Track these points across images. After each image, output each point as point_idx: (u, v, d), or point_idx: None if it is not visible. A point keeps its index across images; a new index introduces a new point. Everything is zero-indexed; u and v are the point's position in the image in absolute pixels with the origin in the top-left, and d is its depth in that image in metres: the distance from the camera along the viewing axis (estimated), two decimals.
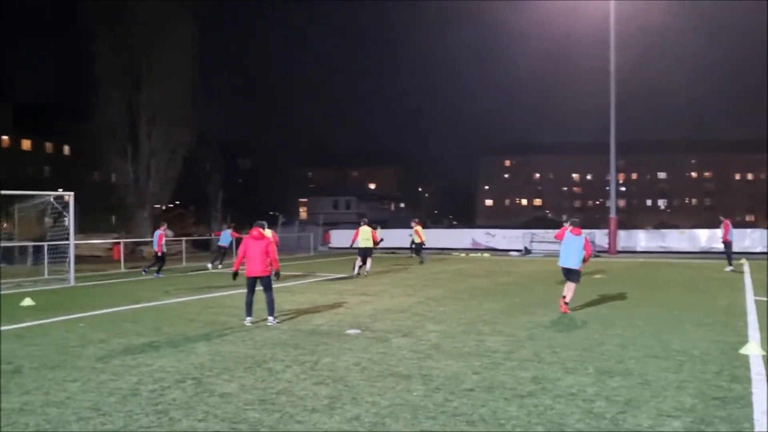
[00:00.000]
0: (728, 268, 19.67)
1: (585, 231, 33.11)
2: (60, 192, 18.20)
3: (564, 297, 11.01)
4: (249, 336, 8.98)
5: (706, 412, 5.37)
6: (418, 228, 25.36)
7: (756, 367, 6.87)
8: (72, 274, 17.30)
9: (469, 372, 6.77)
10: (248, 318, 9.98)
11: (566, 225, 11.59)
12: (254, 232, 10.00)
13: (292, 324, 10.05)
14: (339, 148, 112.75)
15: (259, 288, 10.01)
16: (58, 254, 18.32)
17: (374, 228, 20.07)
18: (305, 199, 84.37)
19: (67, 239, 17.60)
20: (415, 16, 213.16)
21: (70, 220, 17.34)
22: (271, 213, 58.96)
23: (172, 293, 14.63)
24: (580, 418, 5.22)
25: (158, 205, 37.06)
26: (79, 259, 21.73)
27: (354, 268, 18.85)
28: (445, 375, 6.65)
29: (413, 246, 26.16)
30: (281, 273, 11.17)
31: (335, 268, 22.33)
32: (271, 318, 10.00)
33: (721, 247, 21.95)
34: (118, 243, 26.71)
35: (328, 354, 7.73)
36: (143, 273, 20.14)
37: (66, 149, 66.52)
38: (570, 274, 11.06)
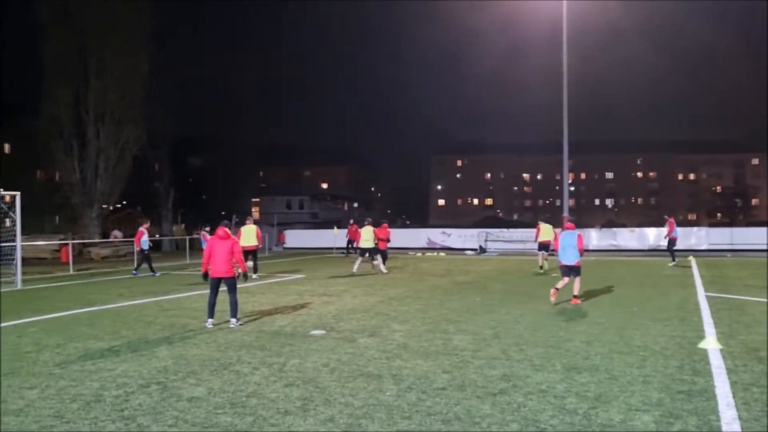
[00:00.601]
0: (671, 264, 20.65)
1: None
2: (2, 192, 17.48)
3: (558, 289, 11.60)
4: (212, 338, 8.80)
5: (673, 405, 5.48)
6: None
7: (715, 360, 7.06)
8: (19, 277, 16.67)
9: (439, 371, 6.77)
10: (210, 320, 9.79)
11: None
12: (220, 231, 9.80)
13: (255, 325, 9.89)
14: (291, 148, 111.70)
15: (223, 289, 9.80)
16: (2, 256, 17.62)
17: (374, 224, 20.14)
18: (258, 199, 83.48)
19: (13, 241, 16.95)
20: (370, 15, 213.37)
21: (17, 220, 16.68)
22: (223, 213, 58.13)
23: (126, 296, 14.23)
24: (553, 414, 5.26)
25: (106, 205, 36.00)
26: (24, 261, 20.97)
27: (355, 266, 19.29)
28: (415, 374, 6.63)
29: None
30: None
31: (293, 269, 22.13)
32: (234, 320, 9.82)
33: (666, 244, 22.85)
34: (66, 244, 25.88)
35: (295, 355, 7.63)
36: (133, 274, 19.76)
37: (6, 147, 64.04)
38: (571, 271, 11.66)
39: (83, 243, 30.52)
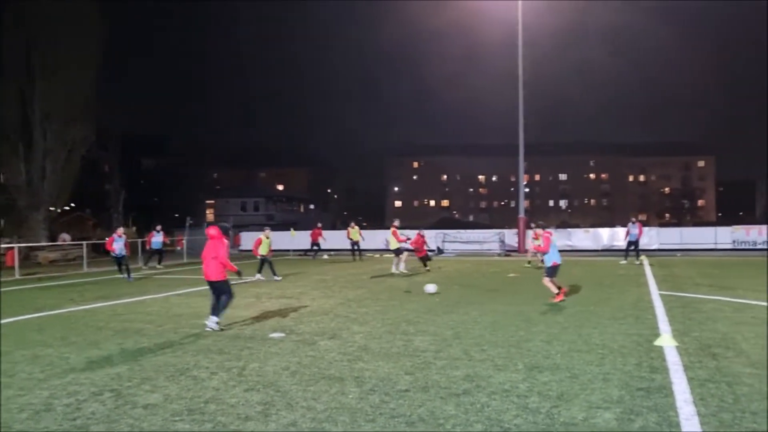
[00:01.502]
0: (626, 262, 22.25)
1: (494, 230, 33.90)
2: None
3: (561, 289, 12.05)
4: (168, 343, 8.56)
5: (633, 402, 5.54)
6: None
7: (671, 357, 7.19)
8: None
9: (401, 372, 6.71)
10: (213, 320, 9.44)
11: (539, 230, 12.69)
12: (211, 230, 9.33)
13: (212, 329, 9.65)
14: (245, 149, 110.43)
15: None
16: None
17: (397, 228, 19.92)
18: (212, 201, 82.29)
19: None
20: (331, 15, 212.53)
21: None
22: (176, 215, 57.02)
23: (77, 300, 13.78)
24: (516, 414, 5.26)
25: (53, 208, 34.90)
26: None
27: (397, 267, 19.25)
28: (377, 376, 6.56)
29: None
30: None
31: (249, 271, 21.79)
32: (213, 318, 9.33)
33: (623, 244, 24.08)
34: (12, 248, 24.97)
35: (254, 359, 7.47)
36: (129, 280, 18.97)
37: None
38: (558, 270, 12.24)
39: (30, 247, 29.50)
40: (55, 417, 5.37)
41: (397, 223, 20.34)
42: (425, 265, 19.62)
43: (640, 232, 22.60)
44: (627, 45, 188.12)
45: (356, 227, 27.00)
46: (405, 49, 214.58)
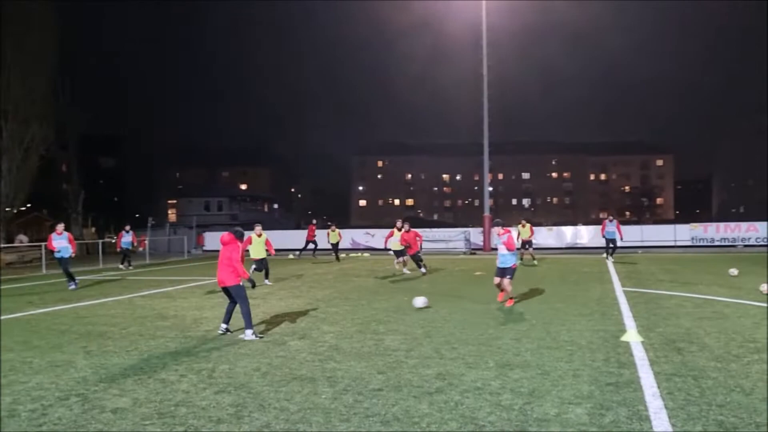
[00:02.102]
0: (607, 257, 22.48)
1: (460, 229, 34.17)
2: None
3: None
4: (133, 346, 8.39)
5: (603, 397, 5.63)
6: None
7: (638, 352, 7.32)
8: None
9: (373, 372, 6.69)
10: (223, 325, 9.15)
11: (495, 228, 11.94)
12: (225, 237, 8.97)
13: (179, 331, 9.51)
14: (207, 148, 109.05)
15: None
16: None
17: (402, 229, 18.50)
18: (174, 201, 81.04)
19: None
20: (296, 13, 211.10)
21: None
22: (137, 215, 55.95)
23: (36, 303, 13.42)
24: (490, 411, 5.29)
25: (10, 208, 33.93)
26: None
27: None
28: (350, 376, 6.54)
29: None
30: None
31: (214, 272, 21.53)
32: (248, 331, 8.72)
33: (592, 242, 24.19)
34: None
35: (224, 361, 7.37)
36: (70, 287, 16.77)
37: None
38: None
39: None
40: (19, 423, 5.21)
41: (399, 224, 18.61)
42: (419, 265, 18.44)
43: (619, 230, 22.12)
44: (588, 45, 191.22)
45: (336, 230, 26.39)
46: (369, 48, 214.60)
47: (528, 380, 6.24)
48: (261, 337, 8.69)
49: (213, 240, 38.18)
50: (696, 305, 10.99)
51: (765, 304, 10.82)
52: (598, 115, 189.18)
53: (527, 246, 22.58)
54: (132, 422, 5.18)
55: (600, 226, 23.98)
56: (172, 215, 75.93)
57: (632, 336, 8.13)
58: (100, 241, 30.23)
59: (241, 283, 8.94)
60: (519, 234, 21.84)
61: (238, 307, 8.97)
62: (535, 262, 21.96)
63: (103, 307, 12.60)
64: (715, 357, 7.04)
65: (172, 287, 16.09)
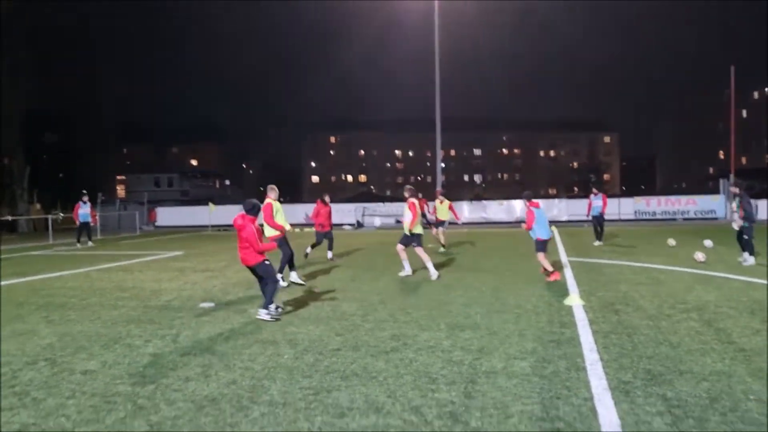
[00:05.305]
0: (597, 243, 18.60)
1: None
2: None
3: (549, 269, 10.97)
4: (96, 315, 8.55)
5: (545, 352, 6.13)
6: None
7: (579, 314, 7.88)
8: None
9: (332, 334, 7.06)
10: (272, 306, 8.30)
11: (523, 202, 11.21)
12: (237, 220, 8.34)
13: (139, 301, 9.68)
14: (155, 123, 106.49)
15: None
16: None
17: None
18: (123, 177, 79.48)
19: None
20: None
21: None
22: (84, 191, 54.62)
23: None
24: (443, 366, 5.72)
25: None
26: None
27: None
28: (309, 338, 6.88)
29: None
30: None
31: (169, 246, 21.53)
32: (261, 311, 8.18)
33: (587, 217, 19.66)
34: None
35: (187, 327, 7.63)
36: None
37: None
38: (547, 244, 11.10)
39: None
40: None
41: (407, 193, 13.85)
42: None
43: (605, 204, 18.78)
44: (538, 24, 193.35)
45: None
46: (323, 25, 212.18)
47: (477, 339, 6.70)
48: (278, 319, 8.05)
49: (165, 216, 37.83)
50: (634, 272, 11.69)
51: (699, 271, 11.60)
52: (548, 93, 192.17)
53: (439, 225, 18.08)
54: (103, 382, 5.43)
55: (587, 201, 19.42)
56: (121, 191, 74.50)
57: (574, 300, 8.70)
58: (48, 216, 29.61)
59: (264, 260, 8.30)
60: (435, 209, 18.38)
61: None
62: (442, 249, 17.58)
63: (59, 280, 12.60)
64: (648, 316, 7.64)
65: (128, 261, 16.08)
